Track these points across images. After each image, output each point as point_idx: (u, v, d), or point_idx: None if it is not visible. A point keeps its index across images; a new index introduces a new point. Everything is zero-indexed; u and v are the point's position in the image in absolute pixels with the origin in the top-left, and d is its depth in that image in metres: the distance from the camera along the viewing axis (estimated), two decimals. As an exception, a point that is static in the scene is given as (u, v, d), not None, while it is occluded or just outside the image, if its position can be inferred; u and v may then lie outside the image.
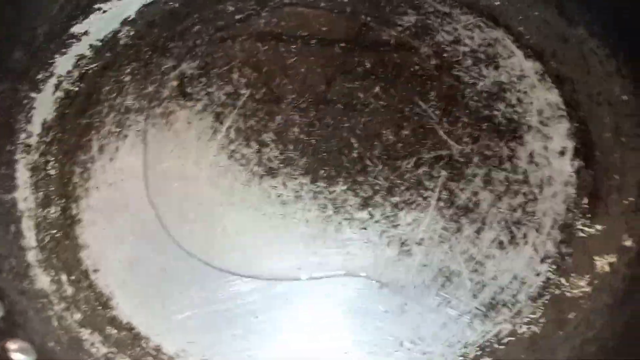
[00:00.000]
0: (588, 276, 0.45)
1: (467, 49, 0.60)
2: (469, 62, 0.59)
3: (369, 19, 0.63)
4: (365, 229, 0.48)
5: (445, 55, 0.59)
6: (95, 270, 0.47)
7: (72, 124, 0.55)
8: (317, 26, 0.62)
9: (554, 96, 0.56)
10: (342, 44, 0.60)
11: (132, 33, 0.61)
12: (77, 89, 0.57)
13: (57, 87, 0.56)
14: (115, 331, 0.44)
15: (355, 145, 0.53)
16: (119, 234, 0.48)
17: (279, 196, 0.50)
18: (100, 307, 0.45)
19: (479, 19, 0.62)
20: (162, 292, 0.45)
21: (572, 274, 0.46)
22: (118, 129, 0.55)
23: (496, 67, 0.58)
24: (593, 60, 0.56)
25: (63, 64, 0.57)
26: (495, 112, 0.55)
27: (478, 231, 0.48)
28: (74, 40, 0.58)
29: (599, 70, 0.55)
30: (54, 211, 0.49)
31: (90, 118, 0.55)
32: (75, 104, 0.56)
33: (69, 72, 0.57)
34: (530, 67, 0.58)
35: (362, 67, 0.59)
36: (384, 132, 0.54)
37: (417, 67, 0.59)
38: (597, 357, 0.38)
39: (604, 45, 0.55)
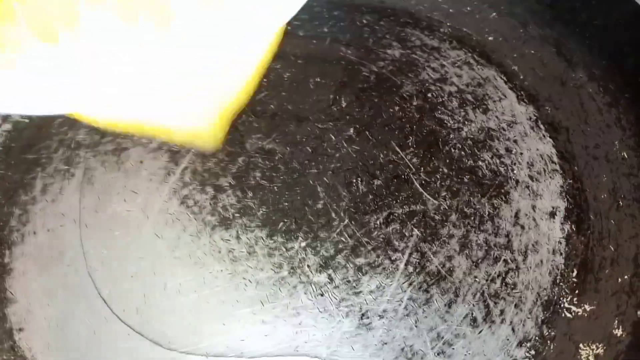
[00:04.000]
0: (571, 368, 0.39)
1: (453, 88, 0.54)
2: (455, 104, 0.53)
3: (349, 51, 0.58)
4: (322, 295, 0.43)
5: (429, 95, 0.54)
6: (20, 329, 0.42)
7: (17, 159, 0.51)
8: (292, 58, 0.58)
9: (547, 147, 0.50)
10: (317, 79, 0.56)
11: (92, 60, 0.57)
12: (27, 120, 0.53)
13: (4, 119, 0.52)
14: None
15: (322, 194, 0.48)
16: (50, 287, 0.44)
17: (230, 251, 0.45)
18: (18, 374, 0.41)
19: (469, 55, 0.57)
20: (88, 357, 0.40)
21: (553, 364, 0.40)
22: (66, 167, 0.50)
23: (485, 111, 0.53)
24: (592, 107, 0.50)
25: (13, 92, 0.54)
26: (480, 163, 0.49)
27: (449, 304, 0.42)
28: (26, 67, 0.55)
29: (597, 120, 0.49)
30: (-17, 258, 0.45)
31: (37, 153, 0.51)
32: (23, 138, 0.52)
33: (19, 101, 0.53)
34: (523, 112, 0.53)
35: (337, 106, 0.54)
36: (354, 181, 0.49)
37: (397, 108, 0.53)
38: None
39: (605, 91, 0.49)
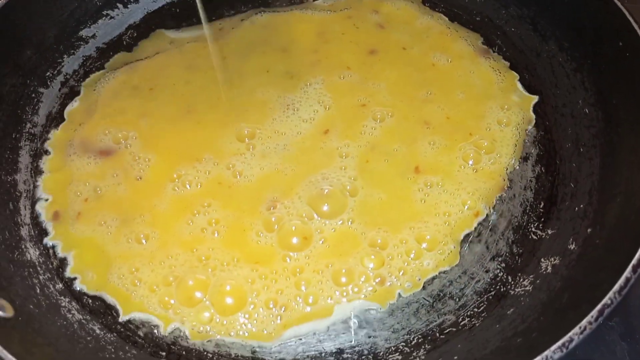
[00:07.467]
0: (532, 276, 0.47)
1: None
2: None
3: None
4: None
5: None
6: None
7: (74, 116, 0.60)
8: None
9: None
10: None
11: (134, 35, 0.67)
12: (81, 85, 0.63)
13: (63, 84, 0.62)
14: (91, 301, 0.48)
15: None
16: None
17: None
18: (81, 280, 0.49)
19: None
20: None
21: (519, 274, 0.48)
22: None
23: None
24: (561, 73, 0.58)
25: (70, 63, 0.63)
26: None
27: (434, 228, 0.50)
28: (81, 42, 0.64)
29: (565, 84, 0.57)
30: (49, 193, 0.54)
31: (90, 111, 0.61)
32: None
33: (75, 71, 0.63)
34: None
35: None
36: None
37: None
38: (521, 347, 0.40)
39: (572, 59, 0.57)
